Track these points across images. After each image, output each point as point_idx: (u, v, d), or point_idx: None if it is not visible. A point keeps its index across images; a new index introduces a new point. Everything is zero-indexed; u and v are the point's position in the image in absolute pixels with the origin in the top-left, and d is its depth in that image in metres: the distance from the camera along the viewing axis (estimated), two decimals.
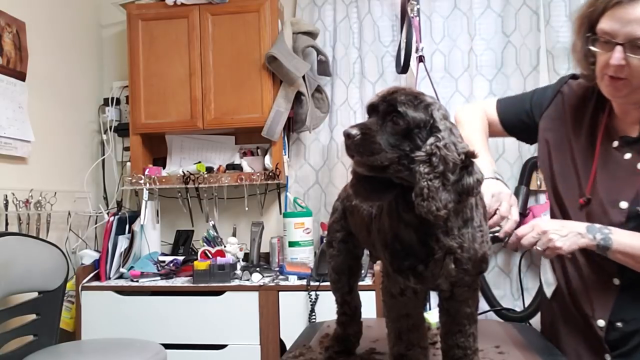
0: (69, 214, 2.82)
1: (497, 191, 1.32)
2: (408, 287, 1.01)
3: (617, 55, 1.19)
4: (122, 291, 2.64)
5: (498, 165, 2.80)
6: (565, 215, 1.39)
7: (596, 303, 1.33)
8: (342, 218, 1.28)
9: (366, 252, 1.33)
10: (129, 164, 3.00)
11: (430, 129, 0.91)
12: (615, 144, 1.34)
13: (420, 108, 0.92)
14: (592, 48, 1.26)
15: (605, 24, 1.22)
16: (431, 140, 0.89)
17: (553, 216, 1.46)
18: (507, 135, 1.60)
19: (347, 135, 0.91)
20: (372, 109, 0.95)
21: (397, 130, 0.91)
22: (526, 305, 2.73)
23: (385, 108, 0.92)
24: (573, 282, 1.39)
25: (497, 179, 1.37)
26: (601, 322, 1.32)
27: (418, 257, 0.97)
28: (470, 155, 0.91)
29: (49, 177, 2.75)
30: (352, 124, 3.23)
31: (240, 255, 2.78)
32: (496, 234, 1.29)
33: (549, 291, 1.47)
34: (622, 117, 1.34)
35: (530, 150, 2.79)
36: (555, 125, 1.44)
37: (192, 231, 3.08)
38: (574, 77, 1.47)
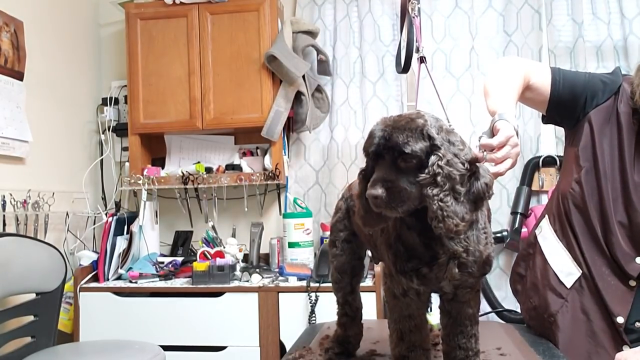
0: (67, 214, 2.80)
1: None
2: (411, 288, 1.01)
3: None
4: (120, 292, 2.63)
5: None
6: (604, 215, 1.39)
7: (615, 301, 1.36)
8: (346, 217, 1.28)
9: (368, 252, 1.32)
10: (127, 164, 2.99)
11: (431, 147, 0.92)
12: None
13: (419, 137, 0.92)
14: None
15: None
16: (432, 159, 0.91)
17: (576, 209, 1.44)
18: (543, 107, 1.47)
19: (374, 197, 0.91)
20: (376, 155, 0.95)
21: (412, 167, 0.92)
22: None
23: (392, 155, 0.93)
24: (596, 277, 1.40)
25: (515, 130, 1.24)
26: (620, 319, 1.35)
27: (422, 259, 0.97)
28: (474, 162, 0.92)
29: (47, 178, 2.74)
30: (353, 122, 3.17)
31: (240, 256, 2.77)
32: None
33: (568, 280, 1.45)
34: None
35: (532, 150, 2.77)
36: (606, 122, 1.41)
37: (191, 232, 3.06)
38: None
